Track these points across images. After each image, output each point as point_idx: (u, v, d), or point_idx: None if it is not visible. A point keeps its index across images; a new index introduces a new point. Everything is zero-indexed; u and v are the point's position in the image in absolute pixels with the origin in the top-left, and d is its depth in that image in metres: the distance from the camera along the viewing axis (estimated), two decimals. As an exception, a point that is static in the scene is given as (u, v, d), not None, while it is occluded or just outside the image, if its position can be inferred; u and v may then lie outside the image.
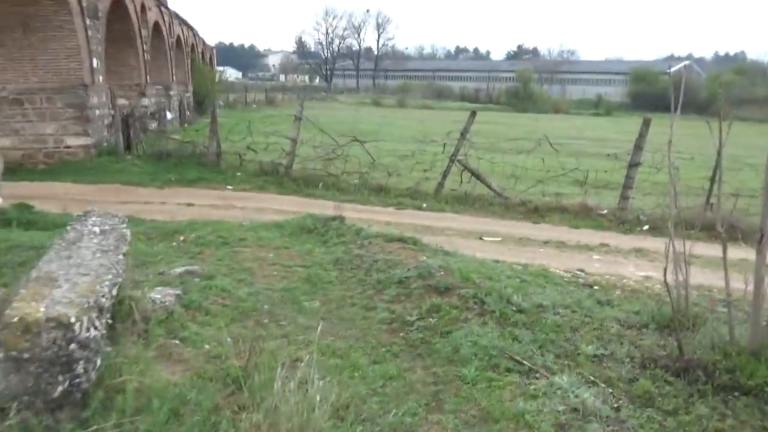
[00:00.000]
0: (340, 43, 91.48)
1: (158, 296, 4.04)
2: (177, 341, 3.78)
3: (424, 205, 11.20)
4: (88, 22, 13.45)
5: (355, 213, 10.53)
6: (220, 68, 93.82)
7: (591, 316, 4.80)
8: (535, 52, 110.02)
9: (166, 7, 25.20)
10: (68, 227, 4.12)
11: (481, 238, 9.02)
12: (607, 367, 4.04)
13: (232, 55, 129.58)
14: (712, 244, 8.50)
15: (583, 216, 10.27)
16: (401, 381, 3.74)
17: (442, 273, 5.09)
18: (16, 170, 13.13)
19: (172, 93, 25.94)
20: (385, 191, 11.92)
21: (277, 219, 8.24)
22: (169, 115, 24.23)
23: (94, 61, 13.98)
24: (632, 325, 4.75)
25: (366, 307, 4.83)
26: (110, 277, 3.28)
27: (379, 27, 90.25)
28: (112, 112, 14.87)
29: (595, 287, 6.37)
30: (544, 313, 4.68)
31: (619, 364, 4.08)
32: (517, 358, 3.91)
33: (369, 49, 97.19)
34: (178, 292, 4.37)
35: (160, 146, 14.08)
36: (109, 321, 3.20)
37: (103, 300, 2.98)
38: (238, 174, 12.92)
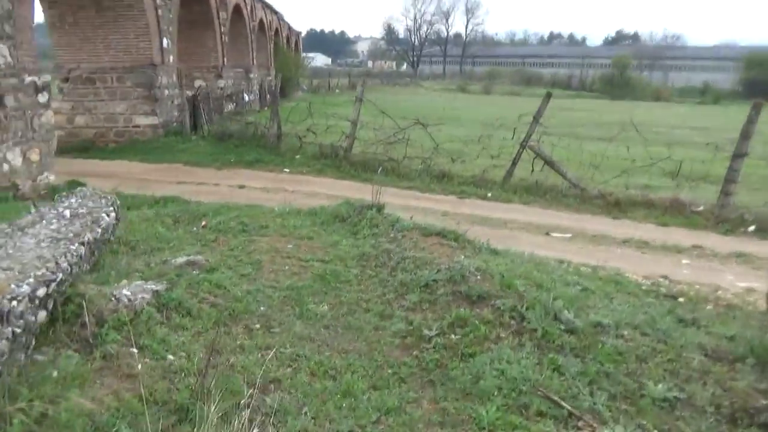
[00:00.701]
0: (428, 29, 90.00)
1: (127, 293, 3.46)
2: (134, 350, 3.17)
3: (489, 194, 10.16)
4: (158, 1, 13.43)
5: (414, 201, 9.73)
6: (310, 54, 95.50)
7: (667, 341, 3.74)
8: (635, 37, 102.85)
9: (248, -10, 25.30)
10: (32, 209, 3.62)
11: (548, 234, 7.92)
12: (680, 418, 3.01)
13: (321, 41, 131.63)
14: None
15: (674, 213, 8.83)
16: (400, 417, 2.93)
17: (478, 277, 4.18)
18: (88, 148, 13.46)
19: (252, 76, 26.13)
20: (448, 178, 10.98)
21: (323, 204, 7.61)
22: (246, 98, 24.42)
23: (164, 41, 13.98)
24: (723, 356, 3.64)
25: (381, 314, 4.03)
26: (42, 272, 2.70)
27: (468, 12, 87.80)
28: (183, 92, 14.88)
29: (680, 299, 5.20)
30: (602, 335, 3.67)
31: (699, 414, 3.04)
32: (555, 397, 2.98)
33: (457, 35, 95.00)
34: (159, 287, 3.78)
35: (224, 127, 13.89)
36: (35, 326, 2.63)
37: (7, 303, 2.39)
38: (297, 157, 12.44)
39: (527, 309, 3.76)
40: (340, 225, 5.97)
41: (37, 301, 2.57)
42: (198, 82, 20.42)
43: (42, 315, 2.64)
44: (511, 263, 4.87)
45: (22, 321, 2.44)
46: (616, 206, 9.10)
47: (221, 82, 20.63)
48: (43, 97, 8.40)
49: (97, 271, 3.80)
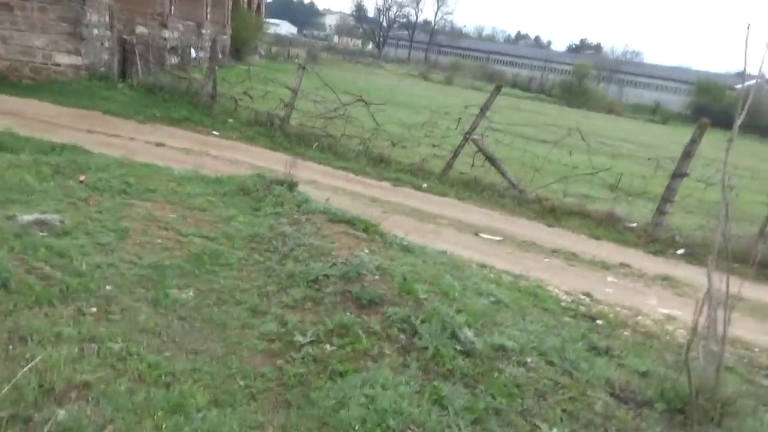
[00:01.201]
0: (397, 11, 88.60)
1: None
2: None
3: (425, 185, 9.65)
4: (95, -71, 12.14)
5: (344, 182, 9.11)
6: (275, 21, 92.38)
7: (574, 373, 3.29)
8: (598, 48, 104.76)
9: (208, -61, 23.77)
10: None
11: (477, 234, 7.48)
12: (572, 473, 2.54)
13: (289, 9, 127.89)
14: (764, 285, 6.83)
15: (608, 226, 8.56)
16: (233, 447, 2.33)
17: (375, 277, 3.61)
18: (-2, 82, 12.11)
19: (203, 31, 24.65)
20: (385, 163, 10.41)
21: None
22: (194, 54, 23.01)
23: (99, -25, 12.71)
24: (630, 397, 3.22)
25: (254, 309, 3.40)
26: None
27: (439, 0, 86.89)
28: (114, 34, 13.61)
29: (598, 321, 4.82)
30: (503, 360, 3.18)
31: (594, 470, 2.58)
32: (428, 439, 2.44)
33: (426, 22, 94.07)
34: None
35: (156, 79, 12.79)
36: None
37: None
38: (230, 121, 11.57)
39: (422, 322, 3.21)
40: (243, 199, 5.28)
41: None
42: (140, 29, 18.91)
43: None
44: (421, 264, 4.33)
45: None
46: (552, 213, 8.76)
47: (166, 33, 19.22)
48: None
49: None
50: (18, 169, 5.16)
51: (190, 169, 6.44)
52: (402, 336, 3.12)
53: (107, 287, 3.28)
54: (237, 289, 3.61)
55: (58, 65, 12.39)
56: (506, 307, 4.20)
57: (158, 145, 9.39)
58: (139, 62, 14.27)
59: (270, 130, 11.08)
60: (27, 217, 3.81)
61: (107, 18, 13.41)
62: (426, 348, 3.04)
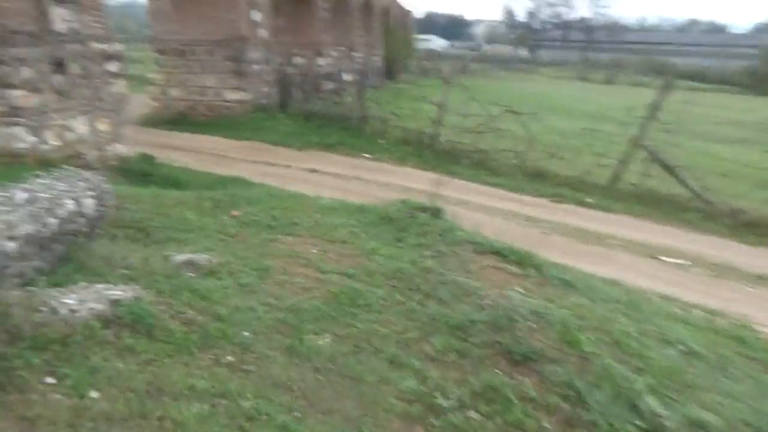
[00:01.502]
0: (549, 12, 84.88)
1: (71, 301, 2.77)
2: (51, 380, 2.48)
3: (590, 200, 8.72)
4: (253, -27, 13.07)
5: (498, 201, 8.56)
6: (426, 36, 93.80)
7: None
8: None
9: (357, -33, 24.68)
10: None
11: (656, 258, 6.48)
12: None
13: (438, 24, 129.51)
14: None
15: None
16: None
17: (531, 324, 3.07)
18: (180, 121, 13.50)
19: (355, 55, 25.61)
20: (543, 177, 9.65)
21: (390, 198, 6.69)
22: (346, 77, 23.97)
23: (256, 14, 13.64)
24: None
25: (393, 360, 3.06)
26: None
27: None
28: (273, 68, 14.53)
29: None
30: (703, 442, 2.45)
31: None
32: None
33: (581, 20, 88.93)
34: (126, 294, 3.07)
35: (311, 106, 13.35)
36: None
37: None
38: (381, 141, 11.62)
39: (590, 385, 2.62)
40: (386, 229, 5.02)
41: None
42: (297, 60, 20.15)
43: None
44: (588, 304, 3.68)
45: None
46: (752, 228, 7.36)
47: (321, 61, 20.21)
48: (113, 66, 8.18)
49: (56, 271, 3.17)
50: (182, 206, 5.45)
51: (336, 197, 6.38)
52: (564, 405, 2.55)
53: (244, 333, 3.16)
54: (375, 334, 3.30)
55: (227, 101, 13.49)
56: (701, 359, 3.38)
57: (311, 171, 9.66)
58: (295, 92, 15.07)
59: (419, 149, 10.90)
60: (180, 257, 3.89)
61: (266, 54, 14.34)
62: (596, 423, 2.44)
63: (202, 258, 3.95)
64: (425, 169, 10.20)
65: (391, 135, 11.72)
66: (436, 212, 5.06)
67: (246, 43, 13.07)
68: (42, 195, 3.08)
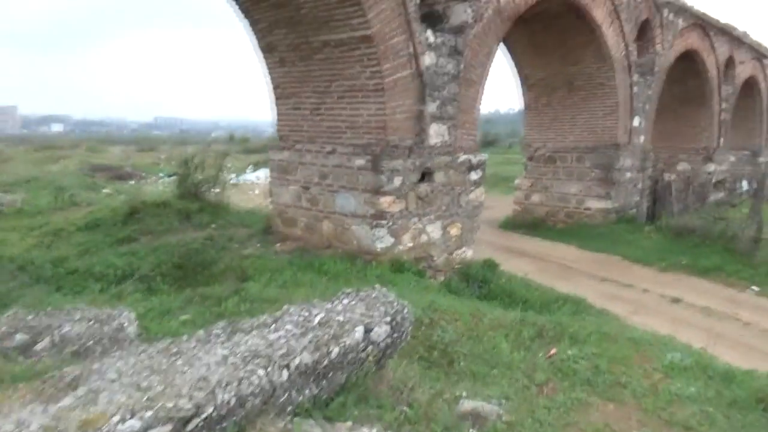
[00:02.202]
0: None
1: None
2: None
3: None
4: (634, 78, 12.35)
5: None
6: None
7: None
8: None
9: (771, 60, 21.19)
10: (266, 314, 3.16)
11: None
12: None
13: None
14: None
15: None
16: None
17: None
18: (538, 226, 13.46)
19: (761, 159, 21.65)
20: None
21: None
22: (745, 186, 20.27)
23: (635, 120, 12.73)
24: None
25: None
26: (175, 404, 2.15)
27: None
28: (645, 175, 13.23)
29: None
30: None
31: None
32: None
33: None
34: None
35: (686, 220, 11.49)
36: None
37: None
38: (778, 272, 9.07)
39: None
40: (761, 418, 3.52)
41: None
42: (682, 165, 18.10)
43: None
44: None
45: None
46: None
47: (711, 167, 17.66)
48: (475, 175, 8.59)
49: (332, 399, 3.09)
50: (499, 330, 5.05)
51: (696, 348, 4.98)
52: None
53: None
54: None
55: (589, 209, 12.82)
56: None
57: (674, 301, 8.09)
58: (672, 202, 13.33)
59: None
60: (467, 404, 3.44)
61: (641, 160, 13.20)
62: None
63: (492, 410, 3.40)
64: None
65: (797, 265, 9.03)
66: None
67: (619, 149, 12.30)
68: (337, 318, 3.11)
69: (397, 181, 7.36)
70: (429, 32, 7.37)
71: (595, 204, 12.71)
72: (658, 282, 9.11)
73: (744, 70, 18.68)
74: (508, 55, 12.94)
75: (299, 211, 8.18)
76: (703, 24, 14.94)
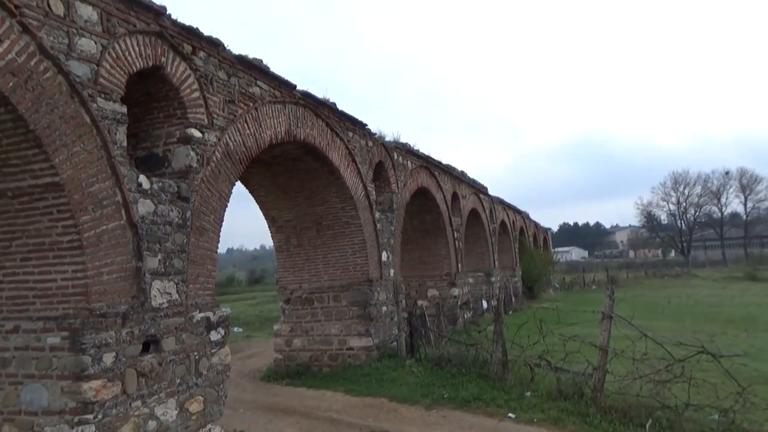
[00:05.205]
0: (695, 212, 79.89)
1: None
2: None
3: None
4: (377, 215, 12.83)
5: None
6: (564, 249, 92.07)
7: None
8: None
9: (486, 194, 24.86)
10: None
11: None
12: None
13: (576, 234, 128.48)
14: None
15: None
16: None
17: None
18: (302, 373, 12.43)
19: (493, 279, 24.43)
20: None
21: None
22: (485, 305, 22.46)
23: (384, 255, 13.08)
24: None
25: None
26: None
27: (745, 189, 75.65)
28: (400, 307, 13.45)
29: None
30: None
31: None
32: None
33: (735, 215, 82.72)
34: None
35: (442, 350, 11.69)
36: None
37: None
38: (528, 394, 9.38)
39: None
40: None
41: None
42: (431, 292, 19.30)
43: None
44: None
45: None
46: None
47: (455, 291, 19.14)
48: (217, 335, 7.38)
49: None
50: None
51: None
52: None
53: None
54: None
55: (351, 349, 12.35)
56: None
57: (444, 445, 7.62)
58: (427, 331, 13.67)
59: (579, 405, 8.49)
60: None
61: (394, 293, 13.45)
62: None
63: None
64: (593, 436, 7.70)
65: (541, 384, 9.49)
66: None
67: (372, 285, 12.30)
68: None
69: (108, 358, 5.77)
70: (143, 178, 6.32)
71: (356, 342, 12.30)
72: (426, 423, 8.67)
73: (467, 203, 21.37)
74: (253, 199, 12.48)
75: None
76: (428, 165, 16.70)
